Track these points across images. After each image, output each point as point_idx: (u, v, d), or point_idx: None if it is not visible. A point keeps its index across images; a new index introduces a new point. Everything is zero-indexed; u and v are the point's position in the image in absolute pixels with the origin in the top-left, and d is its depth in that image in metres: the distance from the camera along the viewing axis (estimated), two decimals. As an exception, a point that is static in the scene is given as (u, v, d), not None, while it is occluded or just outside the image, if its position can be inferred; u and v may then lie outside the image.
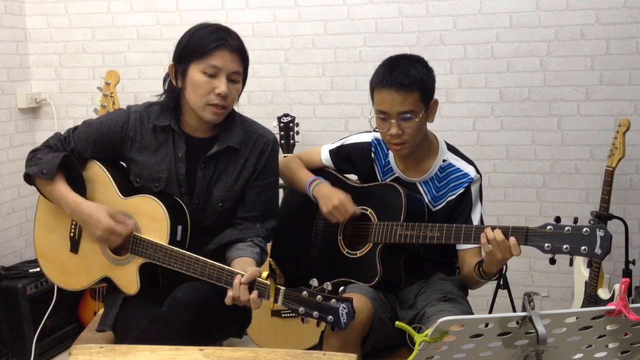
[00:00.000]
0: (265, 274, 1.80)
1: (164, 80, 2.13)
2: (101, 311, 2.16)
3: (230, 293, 1.83)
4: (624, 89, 3.26)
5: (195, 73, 1.99)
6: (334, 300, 1.70)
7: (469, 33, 3.38)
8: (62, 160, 2.04)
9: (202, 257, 1.92)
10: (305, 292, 1.73)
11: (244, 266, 1.92)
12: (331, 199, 2.15)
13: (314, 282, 1.74)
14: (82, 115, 3.78)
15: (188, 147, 2.09)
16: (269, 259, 2.11)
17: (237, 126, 2.12)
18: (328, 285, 1.73)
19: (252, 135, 2.13)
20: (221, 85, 1.98)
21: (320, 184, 2.23)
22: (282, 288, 1.76)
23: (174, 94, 2.08)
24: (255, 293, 1.79)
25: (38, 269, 2.24)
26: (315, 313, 1.72)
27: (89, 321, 3.01)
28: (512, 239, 1.85)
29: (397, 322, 1.46)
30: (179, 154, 2.08)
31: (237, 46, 2.01)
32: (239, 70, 2.03)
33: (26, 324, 3.21)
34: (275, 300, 1.77)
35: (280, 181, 2.44)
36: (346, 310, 1.70)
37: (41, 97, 3.83)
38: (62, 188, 2.05)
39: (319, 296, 1.71)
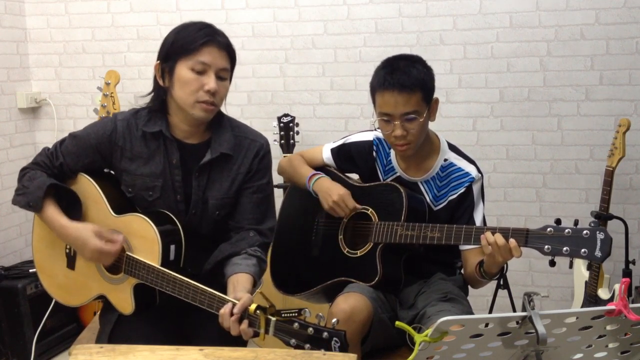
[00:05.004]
0: (253, 306, 1.74)
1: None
2: (97, 315, 2.13)
3: (221, 319, 1.78)
4: (624, 89, 3.26)
5: (183, 70, 1.95)
6: (326, 333, 1.63)
7: (469, 33, 3.38)
8: (47, 190, 2.00)
9: (193, 282, 1.84)
10: (296, 324, 1.67)
11: (238, 288, 1.86)
12: (331, 194, 2.17)
13: (306, 312, 1.68)
14: (82, 115, 3.79)
15: (181, 154, 2.03)
16: (258, 290, 2.05)
17: (228, 131, 2.07)
18: (321, 319, 1.67)
19: (245, 141, 2.08)
20: (210, 82, 1.94)
21: (320, 178, 2.24)
22: (273, 319, 1.71)
23: (160, 94, 2.03)
24: (245, 323, 1.75)
25: (38, 269, 2.22)
26: (307, 345, 1.65)
27: (89, 321, 3.00)
28: (513, 241, 1.84)
29: (397, 322, 1.46)
30: (173, 160, 2.02)
31: (225, 43, 1.99)
32: (227, 67, 2.00)
33: (26, 324, 3.21)
34: (266, 332, 1.72)
35: (280, 181, 2.44)
36: (338, 345, 1.62)
37: (41, 97, 3.83)
38: (50, 212, 2.00)
39: (311, 328, 1.65)
